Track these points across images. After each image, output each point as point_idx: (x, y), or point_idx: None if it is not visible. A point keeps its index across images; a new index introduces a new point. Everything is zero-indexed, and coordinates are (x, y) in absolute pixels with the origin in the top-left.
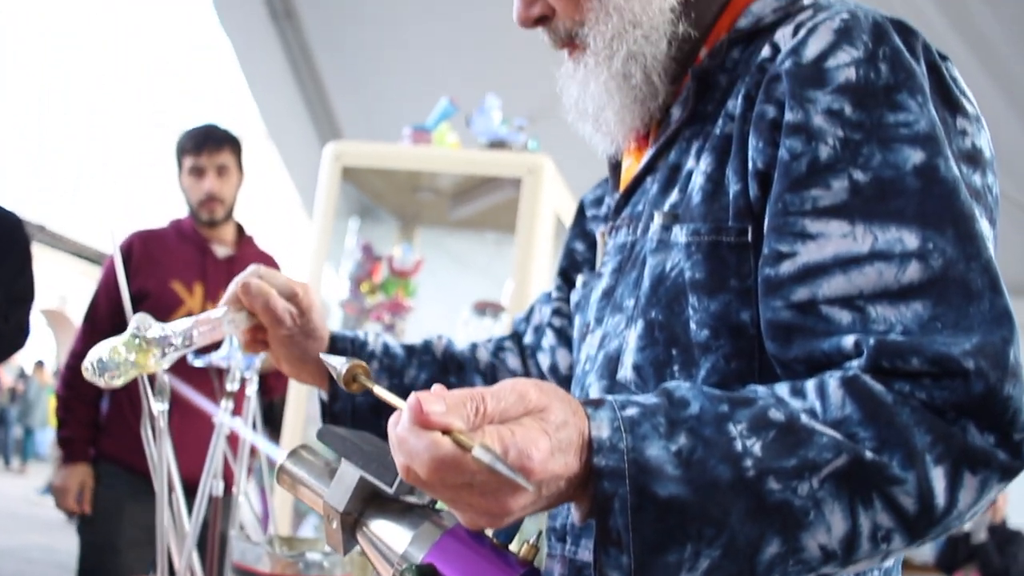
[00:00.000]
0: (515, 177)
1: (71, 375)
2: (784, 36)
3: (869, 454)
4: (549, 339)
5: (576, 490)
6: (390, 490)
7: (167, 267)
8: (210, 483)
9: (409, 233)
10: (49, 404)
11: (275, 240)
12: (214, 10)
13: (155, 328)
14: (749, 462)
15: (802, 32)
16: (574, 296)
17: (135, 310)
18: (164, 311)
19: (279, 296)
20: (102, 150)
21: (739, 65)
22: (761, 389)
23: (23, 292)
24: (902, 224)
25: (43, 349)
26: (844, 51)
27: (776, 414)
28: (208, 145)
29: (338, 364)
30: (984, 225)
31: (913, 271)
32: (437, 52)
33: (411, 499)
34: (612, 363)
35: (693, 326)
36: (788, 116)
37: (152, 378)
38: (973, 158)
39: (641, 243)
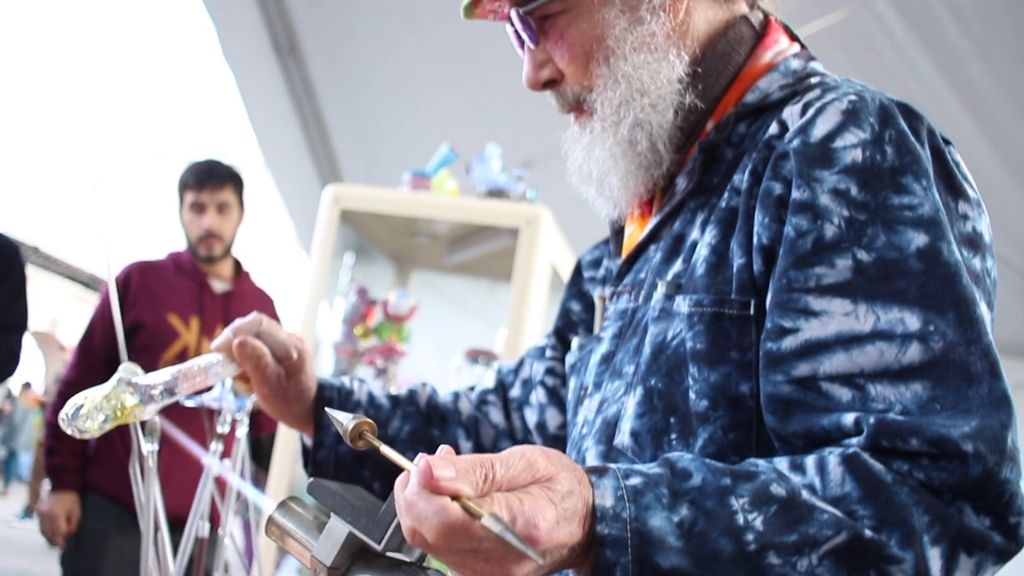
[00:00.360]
0: (513, 227)
1: (62, 402)
2: (792, 114)
3: (868, 532)
4: (539, 396)
5: (578, 557)
6: (378, 547)
7: (164, 300)
8: (196, 524)
9: (404, 276)
10: (34, 426)
11: (268, 270)
12: (218, 41)
13: (140, 377)
14: (750, 536)
15: (810, 112)
16: (570, 358)
17: (130, 342)
18: (160, 344)
19: (271, 359)
20: (100, 174)
21: (745, 140)
22: (762, 463)
23: (16, 319)
24: (904, 305)
25: (31, 371)
26: (851, 132)
27: (778, 489)
28: (210, 182)
29: (344, 420)
30: (983, 309)
31: (914, 352)
32: (440, 94)
33: (399, 556)
34: (610, 428)
35: (692, 396)
36: (795, 194)
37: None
38: (973, 242)
39: (643, 310)
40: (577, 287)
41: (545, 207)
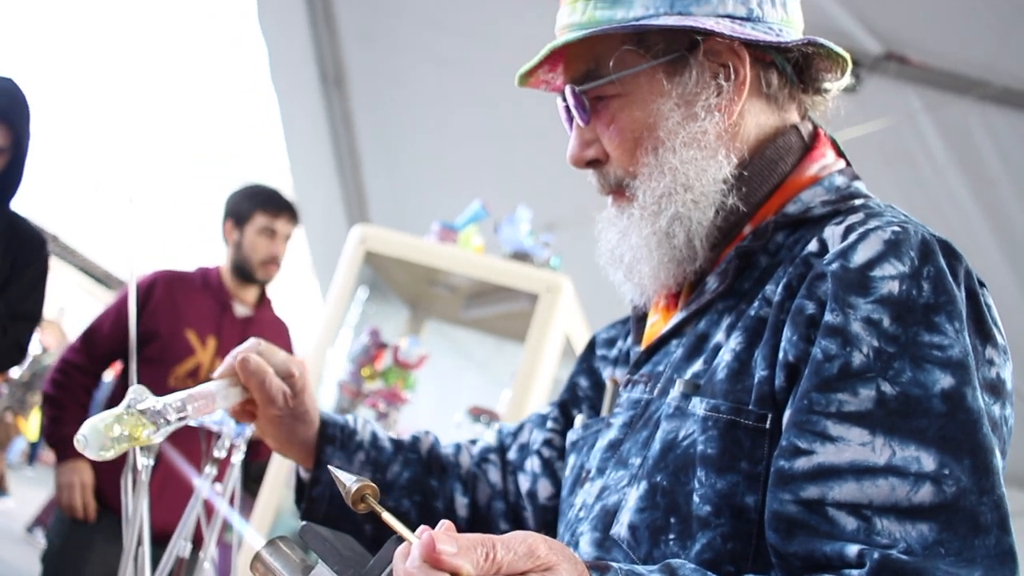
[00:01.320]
0: (533, 292)
1: (62, 377)
2: (834, 235)
3: None
4: (534, 464)
5: None
6: None
7: (185, 314)
8: (179, 544)
9: (418, 324)
10: (29, 416)
11: (279, 295)
12: (267, 63)
13: (150, 401)
14: None
15: (853, 236)
16: (572, 435)
17: (141, 351)
18: (173, 358)
19: (275, 376)
20: (134, 184)
21: (782, 250)
22: None
23: (29, 310)
24: (922, 444)
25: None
26: (891, 264)
27: None
28: (287, 214)
29: (348, 482)
30: (998, 459)
31: (925, 492)
32: (477, 149)
33: None
34: (608, 517)
35: (696, 499)
36: (828, 317)
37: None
38: (996, 389)
39: (656, 404)
40: (588, 363)
41: (567, 277)
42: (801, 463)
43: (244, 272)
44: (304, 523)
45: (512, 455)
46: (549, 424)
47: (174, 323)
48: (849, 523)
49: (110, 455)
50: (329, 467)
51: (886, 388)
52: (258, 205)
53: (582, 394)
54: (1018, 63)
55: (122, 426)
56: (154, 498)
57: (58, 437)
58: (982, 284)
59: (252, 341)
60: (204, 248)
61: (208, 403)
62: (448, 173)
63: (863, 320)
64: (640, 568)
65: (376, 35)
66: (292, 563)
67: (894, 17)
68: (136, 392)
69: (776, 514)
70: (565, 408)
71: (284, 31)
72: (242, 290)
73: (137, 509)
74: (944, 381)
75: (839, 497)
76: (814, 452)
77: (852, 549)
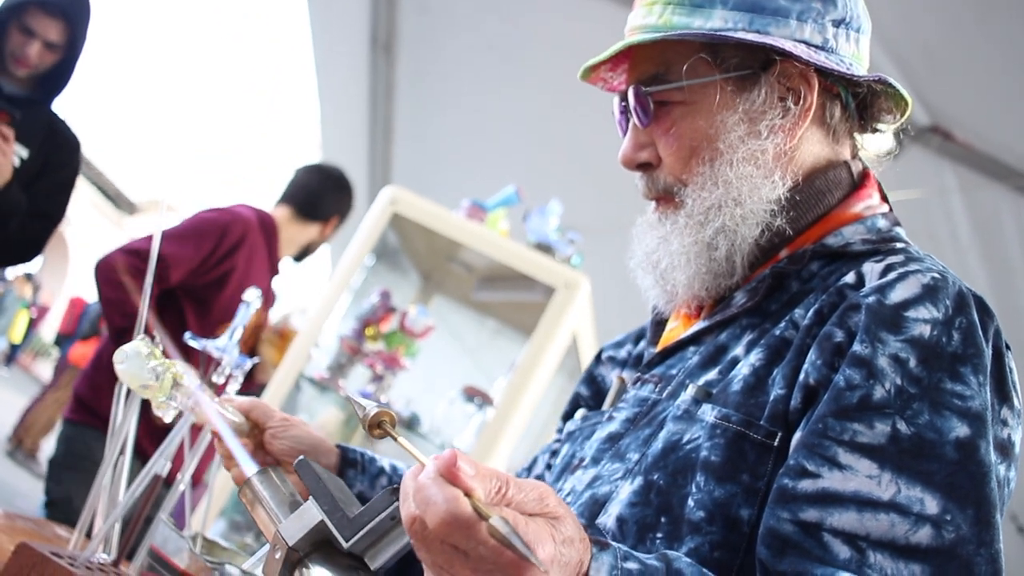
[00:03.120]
0: (551, 285)
1: (111, 273)
2: (873, 271)
3: None
4: None
5: None
6: (345, 544)
7: (256, 272)
8: (159, 462)
9: (427, 296)
10: (17, 317)
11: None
12: (319, 21)
13: (191, 379)
14: None
15: (892, 275)
16: (570, 426)
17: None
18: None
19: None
20: (164, 106)
21: (815, 279)
22: None
23: (52, 210)
24: (928, 487)
25: (33, 264)
26: (926, 308)
27: None
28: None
29: (368, 407)
30: (999, 515)
31: (924, 534)
32: (513, 138)
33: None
34: (596, 506)
35: (691, 503)
36: (856, 347)
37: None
38: (1005, 449)
39: (664, 405)
40: (591, 373)
41: (586, 277)
42: (805, 484)
43: (303, 257)
44: (301, 457)
45: None
46: (555, 447)
47: (244, 279)
48: (843, 551)
49: (138, 381)
50: (347, 393)
51: (902, 427)
52: (347, 208)
53: (583, 403)
54: None
55: (153, 373)
56: (144, 416)
57: (121, 329)
58: (1008, 347)
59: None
60: (232, 192)
61: (214, 421)
62: (477, 157)
63: (890, 356)
64: (638, 553)
65: (433, 7)
66: (281, 494)
67: (946, 92)
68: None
69: (772, 530)
70: (568, 420)
71: None
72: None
73: (126, 420)
74: (960, 430)
75: (837, 524)
76: (820, 476)
77: None
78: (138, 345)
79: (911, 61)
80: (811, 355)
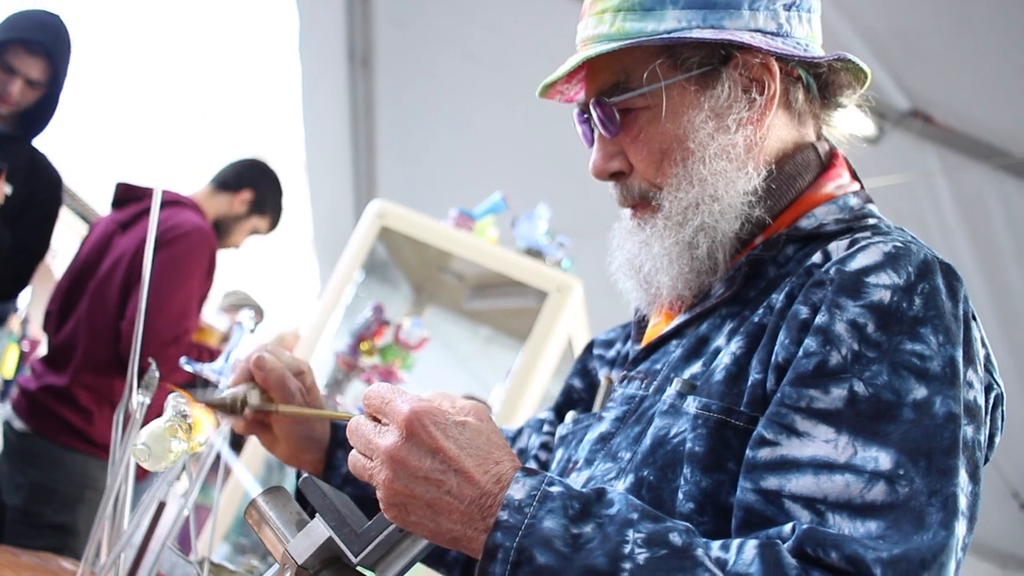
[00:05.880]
0: (543, 289)
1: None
2: (838, 248)
3: None
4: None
5: (475, 530)
6: (354, 560)
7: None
8: (162, 488)
9: (420, 308)
10: (7, 351)
11: (277, 270)
12: (297, 33)
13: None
14: (628, 565)
15: (854, 247)
16: (562, 429)
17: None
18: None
19: (289, 373)
20: (136, 126)
21: (791, 262)
22: (684, 523)
23: (36, 245)
24: (884, 446)
25: (20, 297)
26: (887, 274)
27: (675, 538)
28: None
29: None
30: (963, 476)
31: (878, 491)
32: (495, 148)
33: (369, 574)
34: None
35: (680, 496)
36: (817, 318)
37: (143, 370)
38: (972, 412)
39: (651, 401)
40: (583, 365)
41: (578, 279)
42: (764, 453)
43: (219, 234)
44: (305, 475)
45: None
46: (545, 428)
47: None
48: (803, 515)
49: (165, 463)
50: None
51: (859, 388)
52: (277, 210)
53: (576, 396)
54: None
55: (179, 437)
56: None
57: None
58: (975, 317)
59: (260, 345)
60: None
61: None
62: (462, 168)
63: (848, 322)
64: (574, 488)
65: (409, 20)
66: (287, 513)
67: (925, 76)
68: (177, 399)
69: (737, 502)
70: (561, 412)
71: (317, 3)
72: None
73: (126, 448)
74: (919, 392)
75: (795, 489)
76: (779, 444)
77: (789, 525)
78: (153, 432)
79: (888, 47)
80: (781, 335)
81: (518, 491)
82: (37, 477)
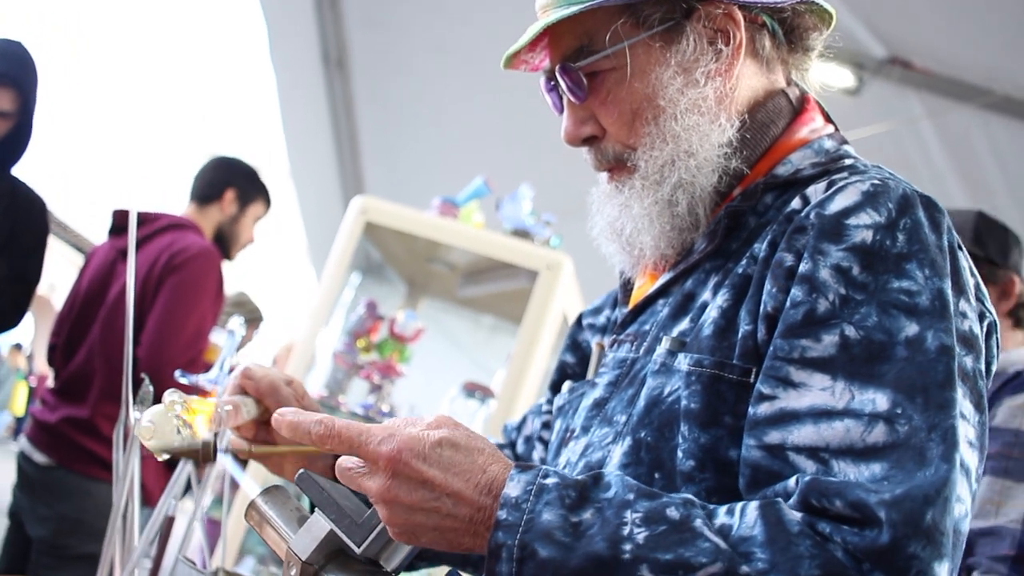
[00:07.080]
0: (533, 269)
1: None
2: (816, 191)
3: (745, 568)
4: (539, 452)
5: (478, 533)
6: (357, 550)
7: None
8: (168, 503)
9: (414, 300)
10: (16, 389)
11: (273, 278)
12: (267, 42)
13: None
14: (628, 546)
15: (832, 189)
16: (559, 400)
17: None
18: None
19: (280, 381)
20: (123, 149)
21: (770, 211)
22: (680, 495)
23: (28, 273)
24: (880, 387)
25: (22, 332)
26: (867, 213)
27: (673, 512)
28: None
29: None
30: (967, 406)
31: (878, 433)
32: (476, 136)
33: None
34: None
35: (680, 454)
36: (802, 266)
37: (137, 384)
38: (968, 341)
39: (642, 362)
40: (573, 339)
41: (567, 256)
42: (764, 408)
43: (223, 246)
44: (301, 471)
45: (520, 448)
46: (544, 408)
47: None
48: (808, 466)
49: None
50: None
51: (850, 332)
52: (257, 191)
53: (570, 371)
54: (1021, 72)
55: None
56: (145, 459)
57: None
58: (961, 246)
59: (245, 363)
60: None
61: (236, 412)
62: (446, 160)
63: (832, 268)
64: (569, 477)
65: (379, 20)
66: (287, 511)
67: (900, 22)
68: (176, 394)
69: (743, 460)
70: (557, 389)
71: (287, 11)
72: None
73: (128, 466)
74: (910, 329)
75: (798, 441)
76: (776, 397)
77: (793, 479)
78: (155, 412)
79: None
80: (767, 285)
81: (514, 488)
82: (63, 509)
